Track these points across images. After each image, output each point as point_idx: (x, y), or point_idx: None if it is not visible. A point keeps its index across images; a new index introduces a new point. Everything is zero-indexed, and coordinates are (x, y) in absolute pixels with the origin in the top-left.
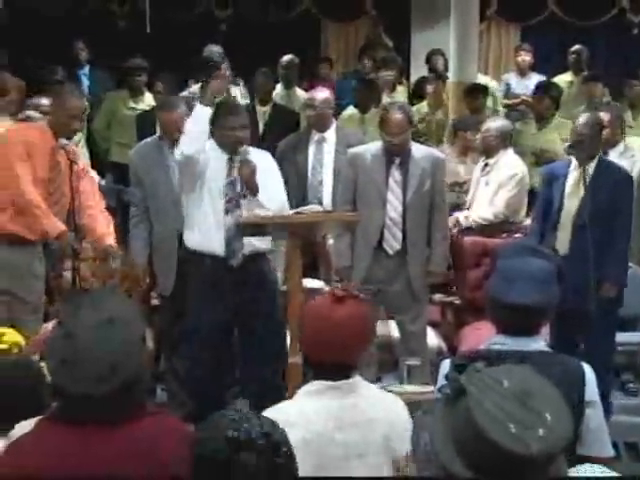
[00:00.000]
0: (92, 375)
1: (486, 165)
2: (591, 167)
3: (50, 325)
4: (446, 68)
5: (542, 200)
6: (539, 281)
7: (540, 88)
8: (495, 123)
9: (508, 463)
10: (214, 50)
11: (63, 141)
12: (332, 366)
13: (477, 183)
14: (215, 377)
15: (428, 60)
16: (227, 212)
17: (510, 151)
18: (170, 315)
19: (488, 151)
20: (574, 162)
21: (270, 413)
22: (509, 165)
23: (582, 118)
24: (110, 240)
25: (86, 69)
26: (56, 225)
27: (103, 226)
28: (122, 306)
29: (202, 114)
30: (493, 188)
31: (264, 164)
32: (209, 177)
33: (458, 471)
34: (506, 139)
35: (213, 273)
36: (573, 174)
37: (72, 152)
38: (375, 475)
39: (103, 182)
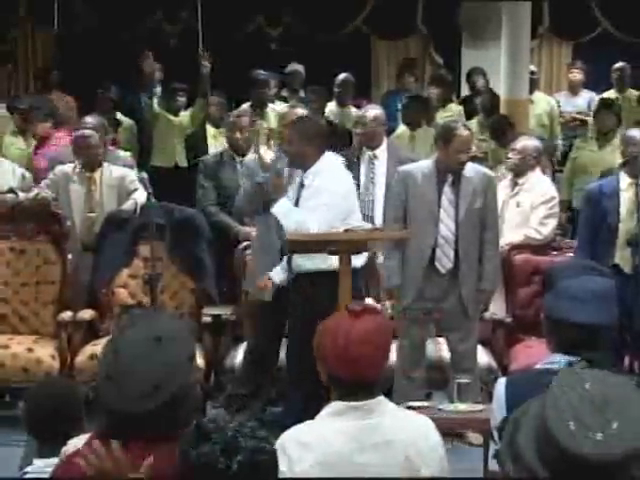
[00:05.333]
0: (134, 392)
1: (515, 184)
2: None
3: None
4: (487, 86)
5: (590, 218)
6: (604, 300)
7: (603, 105)
8: (527, 142)
9: (563, 460)
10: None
11: None
12: (353, 383)
13: (505, 204)
14: None
15: (468, 78)
16: None
17: (538, 170)
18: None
19: (519, 170)
20: (624, 178)
21: (288, 434)
22: (542, 184)
23: (634, 133)
24: None
25: (158, 89)
26: None
27: None
28: (172, 325)
29: None
30: (526, 209)
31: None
32: None
33: (530, 463)
34: (537, 158)
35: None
36: (628, 191)
37: None
38: None
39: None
